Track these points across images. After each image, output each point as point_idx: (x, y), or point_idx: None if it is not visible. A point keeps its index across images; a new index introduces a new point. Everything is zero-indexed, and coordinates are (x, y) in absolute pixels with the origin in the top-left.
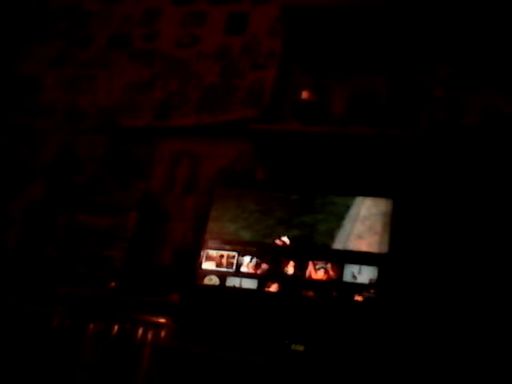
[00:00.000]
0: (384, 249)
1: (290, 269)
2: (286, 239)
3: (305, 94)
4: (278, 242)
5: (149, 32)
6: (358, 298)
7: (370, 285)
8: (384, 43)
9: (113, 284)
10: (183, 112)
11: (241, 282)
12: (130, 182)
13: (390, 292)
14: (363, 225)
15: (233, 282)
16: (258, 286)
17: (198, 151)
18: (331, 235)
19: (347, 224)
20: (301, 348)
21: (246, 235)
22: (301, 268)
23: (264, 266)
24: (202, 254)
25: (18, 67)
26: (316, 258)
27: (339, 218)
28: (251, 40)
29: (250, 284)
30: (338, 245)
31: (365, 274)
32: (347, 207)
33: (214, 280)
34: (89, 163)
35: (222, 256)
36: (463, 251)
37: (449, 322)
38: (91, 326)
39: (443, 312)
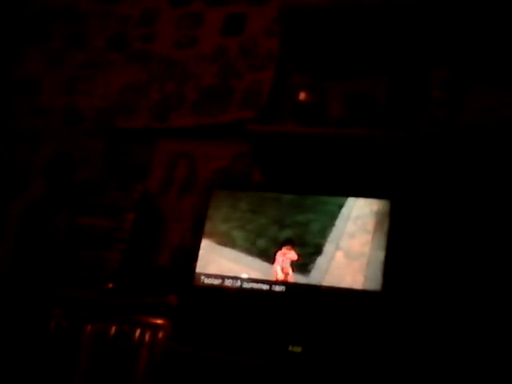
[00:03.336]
0: (375, 248)
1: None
2: (292, 255)
3: (302, 95)
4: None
5: (146, 33)
6: None
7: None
8: (382, 44)
9: (110, 285)
10: (181, 113)
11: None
12: (127, 183)
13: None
14: (355, 224)
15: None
16: (256, 287)
17: (196, 152)
18: (323, 235)
19: (339, 223)
20: (298, 349)
21: (238, 235)
22: None
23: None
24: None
25: (16, 69)
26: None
27: (332, 217)
28: (249, 41)
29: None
30: (330, 244)
31: None
32: (340, 206)
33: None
34: (86, 164)
35: None
36: (463, 252)
37: (449, 324)
38: (88, 327)
39: (443, 313)
